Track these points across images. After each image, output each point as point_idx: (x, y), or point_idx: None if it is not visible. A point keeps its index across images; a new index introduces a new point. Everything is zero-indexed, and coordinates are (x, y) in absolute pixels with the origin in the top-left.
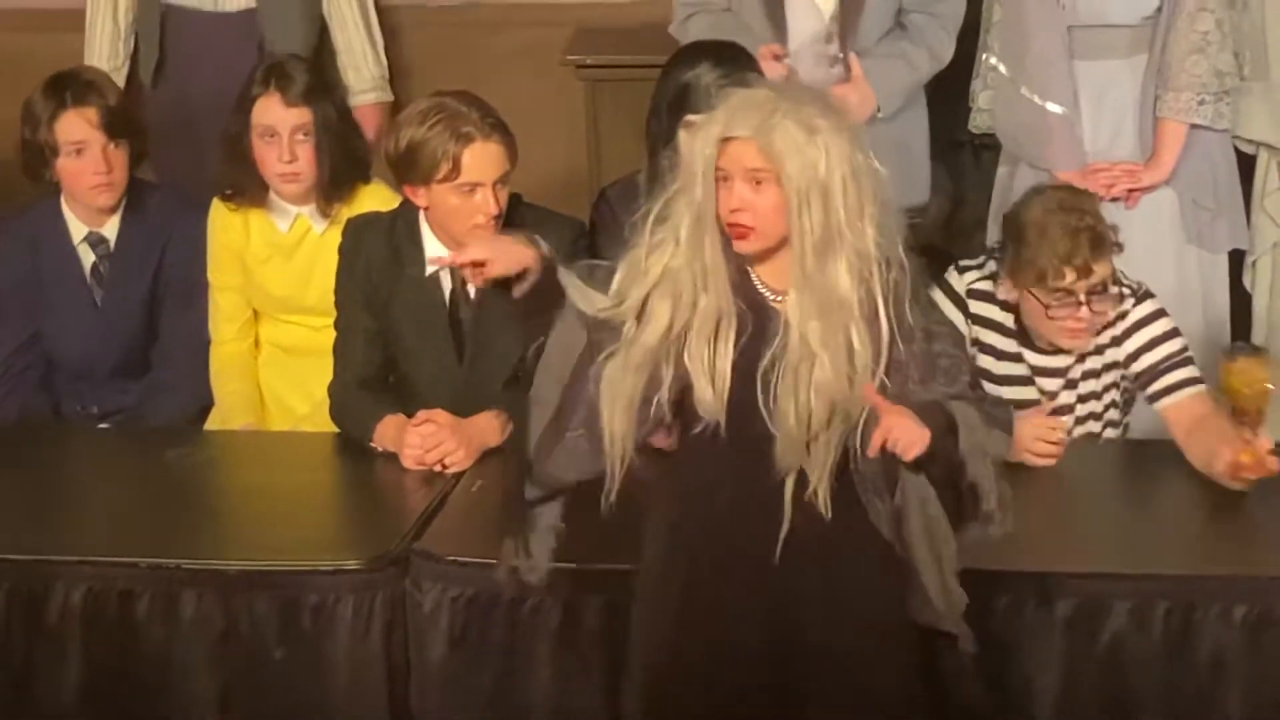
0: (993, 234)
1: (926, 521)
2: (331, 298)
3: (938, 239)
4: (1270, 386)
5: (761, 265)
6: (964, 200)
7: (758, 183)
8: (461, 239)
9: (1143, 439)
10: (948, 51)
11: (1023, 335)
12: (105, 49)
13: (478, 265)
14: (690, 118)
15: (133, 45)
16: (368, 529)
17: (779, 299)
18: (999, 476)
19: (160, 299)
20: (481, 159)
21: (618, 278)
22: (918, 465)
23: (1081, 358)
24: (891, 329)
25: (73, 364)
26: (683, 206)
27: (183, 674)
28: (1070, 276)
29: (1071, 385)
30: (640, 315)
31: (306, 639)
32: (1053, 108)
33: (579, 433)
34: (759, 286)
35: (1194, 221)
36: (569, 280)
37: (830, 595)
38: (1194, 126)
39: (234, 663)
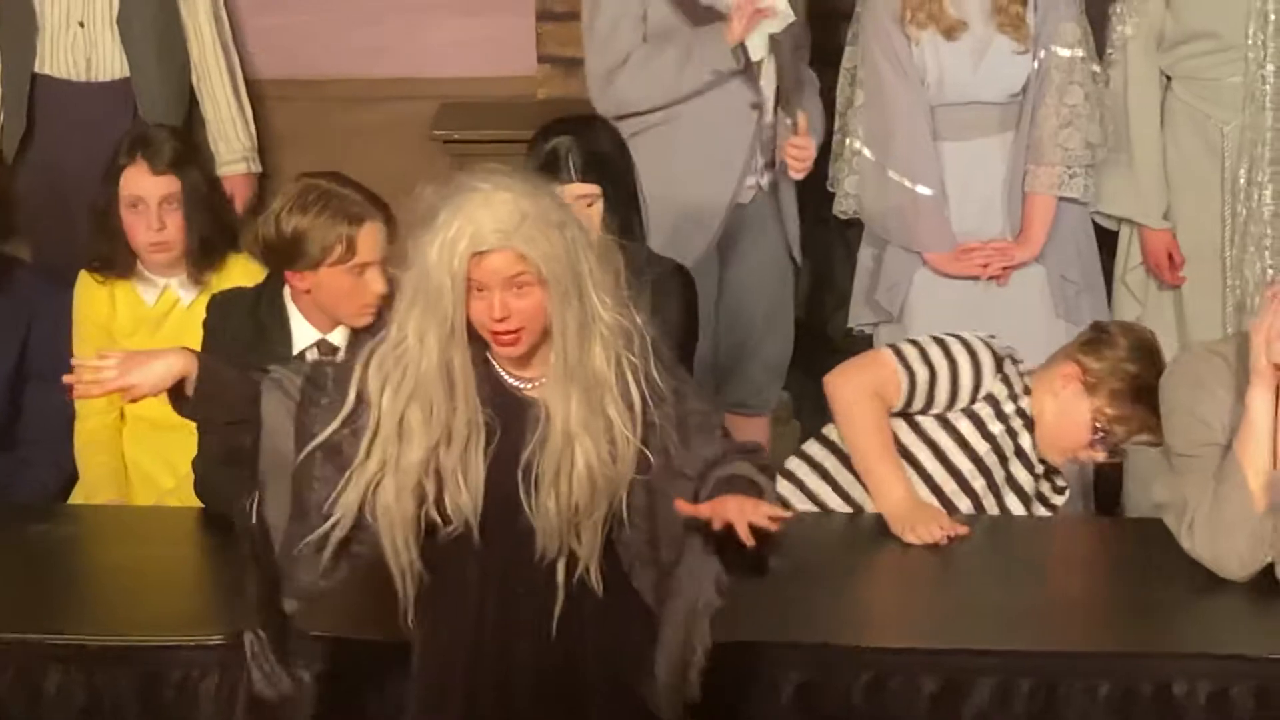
0: (856, 316)
1: (692, 620)
2: None
3: (801, 313)
4: None
5: (505, 358)
6: (829, 278)
7: (519, 287)
8: (350, 320)
9: (1009, 516)
10: None
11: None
12: None
13: (124, 389)
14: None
15: None
16: (232, 604)
17: (529, 387)
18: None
19: (25, 375)
20: (372, 238)
21: (357, 381)
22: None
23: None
24: (643, 395)
25: None
26: (426, 319)
27: None
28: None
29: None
30: (399, 428)
31: (169, 715)
32: (922, 190)
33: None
34: (505, 377)
35: (1061, 296)
36: (272, 400)
37: (607, 658)
38: (1062, 199)
39: None
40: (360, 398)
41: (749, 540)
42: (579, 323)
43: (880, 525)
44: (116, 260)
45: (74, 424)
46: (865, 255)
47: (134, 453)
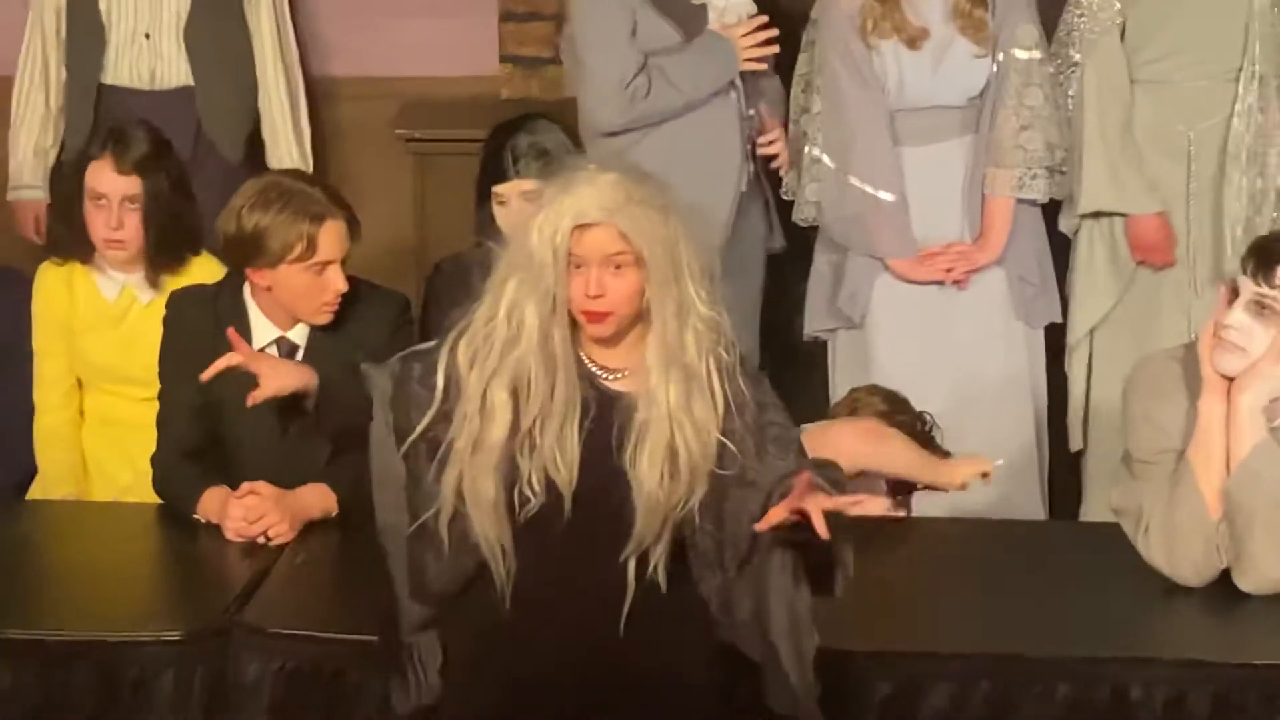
0: (814, 323)
1: (793, 618)
2: (155, 369)
3: (764, 313)
4: None
5: (595, 345)
6: (788, 280)
7: (617, 266)
8: (310, 317)
9: (955, 518)
10: None
11: None
12: (35, 129)
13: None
14: (529, 200)
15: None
16: (189, 600)
17: (615, 377)
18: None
19: None
20: (333, 237)
21: (444, 366)
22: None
23: None
24: (727, 399)
25: None
26: (525, 295)
27: None
28: None
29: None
30: (482, 408)
31: (126, 711)
32: (884, 196)
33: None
34: (592, 368)
35: (1020, 298)
36: (378, 394)
37: (659, 661)
38: (1020, 202)
39: None
40: (449, 383)
41: (824, 531)
42: (676, 310)
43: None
44: (74, 249)
45: (32, 419)
46: (821, 261)
47: (92, 448)
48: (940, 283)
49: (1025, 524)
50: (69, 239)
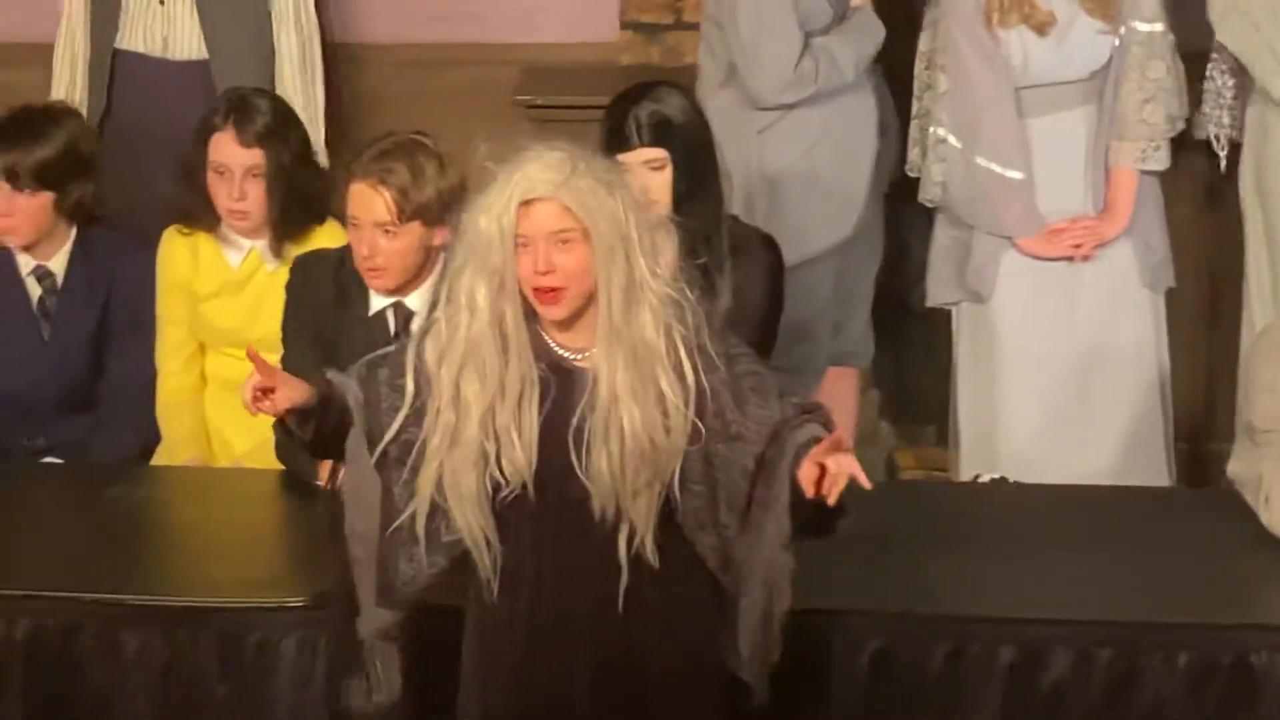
0: (938, 294)
1: (771, 574)
2: (277, 334)
3: (879, 280)
4: None
5: (556, 326)
6: (908, 247)
7: (564, 242)
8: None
9: (1080, 485)
10: None
11: None
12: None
13: (266, 391)
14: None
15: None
16: (312, 567)
17: (579, 358)
18: None
19: (107, 334)
20: (359, 198)
21: (412, 367)
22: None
23: None
24: (695, 366)
25: (18, 398)
26: (475, 277)
27: (124, 710)
28: None
29: None
30: (456, 401)
31: (249, 677)
32: (1012, 175)
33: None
34: (555, 348)
35: (1146, 265)
36: (351, 400)
37: (667, 639)
38: (1144, 173)
39: (175, 700)
40: (419, 381)
41: (834, 496)
42: (624, 285)
43: (957, 494)
44: (201, 217)
45: (154, 385)
46: (943, 234)
47: (213, 413)
48: (1071, 259)
49: (1148, 490)
50: (196, 209)
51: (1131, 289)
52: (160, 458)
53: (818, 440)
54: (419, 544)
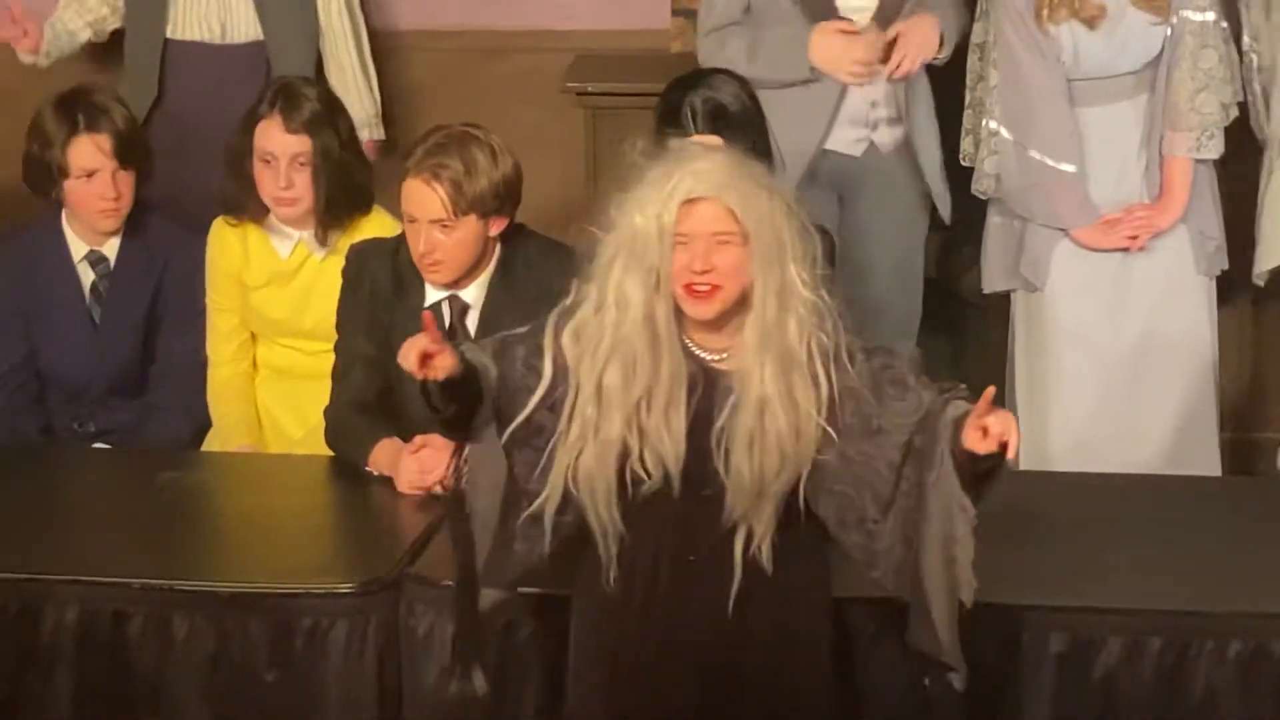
0: (992, 282)
1: (948, 558)
2: (327, 323)
3: (931, 271)
4: None
5: (696, 327)
6: (960, 236)
7: (722, 243)
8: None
9: (1132, 474)
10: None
11: None
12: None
13: (429, 356)
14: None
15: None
16: (362, 553)
17: (716, 359)
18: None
19: (158, 320)
20: (407, 193)
21: (551, 352)
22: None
23: None
24: (829, 374)
25: (69, 382)
26: (628, 273)
27: (174, 696)
28: None
29: None
30: (598, 397)
31: (299, 663)
32: (1065, 167)
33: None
34: (694, 348)
35: (1201, 253)
36: (483, 375)
37: (775, 642)
38: (1199, 161)
39: (225, 685)
40: (556, 369)
41: (1013, 449)
42: (778, 291)
43: (1008, 481)
44: (248, 206)
45: (205, 371)
46: (996, 224)
47: (265, 400)
48: (1127, 250)
49: (1197, 479)
50: (242, 199)
51: (1187, 277)
52: (211, 444)
53: (966, 415)
54: (541, 529)
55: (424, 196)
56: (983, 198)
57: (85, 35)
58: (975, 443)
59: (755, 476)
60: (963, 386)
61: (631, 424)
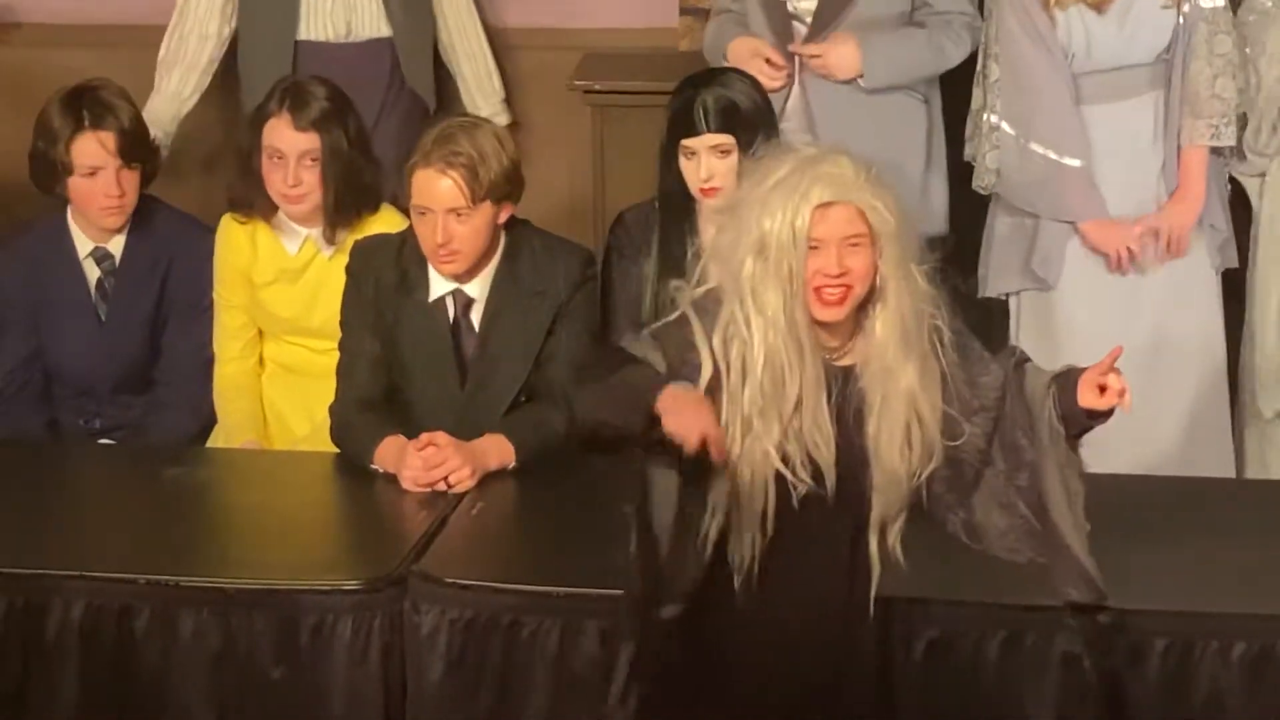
0: (999, 284)
1: (1070, 497)
2: (335, 321)
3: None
4: None
5: (818, 327)
6: (962, 241)
7: (852, 246)
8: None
9: (1142, 475)
10: (956, 51)
11: None
12: (175, 82)
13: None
14: (719, 155)
15: (206, 82)
16: (367, 550)
17: (838, 356)
18: None
19: (164, 316)
20: (418, 183)
21: (708, 352)
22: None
23: None
24: (942, 367)
25: (75, 378)
26: (765, 280)
27: (179, 691)
28: None
29: None
30: (760, 408)
31: (304, 659)
32: (1069, 162)
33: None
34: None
35: (1212, 246)
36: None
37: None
38: (1212, 151)
39: (231, 681)
40: (715, 362)
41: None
42: (910, 289)
43: None
44: (256, 204)
45: (212, 367)
46: (1002, 223)
47: (271, 397)
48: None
49: (1202, 480)
50: (250, 196)
51: (1198, 271)
52: (217, 441)
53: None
54: (704, 541)
55: (439, 186)
56: (983, 193)
57: (204, 81)
58: (1093, 400)
59: (909, 471)
60: (1017, 347)
61: (787, 431)
